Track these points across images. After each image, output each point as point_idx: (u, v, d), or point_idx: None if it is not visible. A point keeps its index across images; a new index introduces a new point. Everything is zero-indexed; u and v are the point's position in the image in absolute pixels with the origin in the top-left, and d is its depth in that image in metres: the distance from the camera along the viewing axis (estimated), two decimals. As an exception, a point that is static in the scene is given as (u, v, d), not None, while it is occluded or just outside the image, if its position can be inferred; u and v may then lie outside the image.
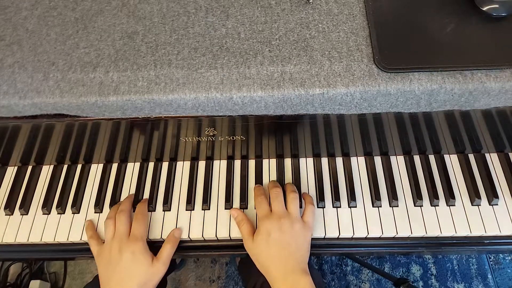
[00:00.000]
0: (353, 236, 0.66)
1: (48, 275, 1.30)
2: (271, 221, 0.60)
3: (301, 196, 0.67)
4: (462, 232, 0.65)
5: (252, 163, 0.73)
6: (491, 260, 1.27)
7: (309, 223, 0.62)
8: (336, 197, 0.68)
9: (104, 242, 0.64)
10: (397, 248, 0.68)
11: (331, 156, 0.72)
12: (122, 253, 0.60)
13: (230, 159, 0.73)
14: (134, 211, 0.68)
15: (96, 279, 0.79)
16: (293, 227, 0.60)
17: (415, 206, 0.67)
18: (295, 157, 0.72)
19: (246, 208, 0.69)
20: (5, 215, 0.71)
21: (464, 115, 0.61)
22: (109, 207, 0.70)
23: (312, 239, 0.66)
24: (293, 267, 0.58)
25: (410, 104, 0.56)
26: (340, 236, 0.66)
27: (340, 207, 0.68)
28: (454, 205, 0.67)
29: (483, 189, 0.68)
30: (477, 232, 0.65)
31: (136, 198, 0.70)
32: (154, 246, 0.65)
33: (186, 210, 0.69)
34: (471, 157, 0.71)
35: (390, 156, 0.72)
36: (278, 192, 0.63)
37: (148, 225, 0.67)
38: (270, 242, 0.59)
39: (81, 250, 0.70)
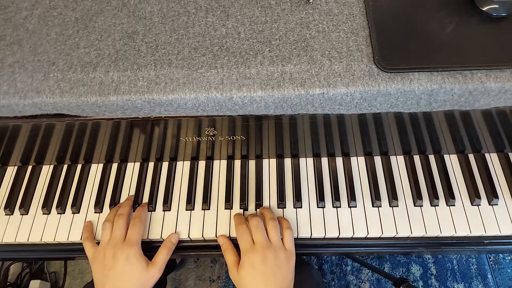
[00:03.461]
0: (353, 236, 0.66)
1: (48, 275, 1.30)
2: (255, 254, 0.58)
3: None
4: (462, 232, 0.65)
5: (252, 163, 0.73)
6: (491, 260, 1.27)
7: (291, 250, 0.62)
8: (336, 197, 0.68)
9: (99, 244, 0.64)
10: (397, 248, 0.68)
11: (331, 156, 0.72)
12: (116, 258, 0.60)
13: (230, 159, 0.73)
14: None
15: (92, 281, 0.79)
16: (277, 257, 0.59)
17: (415, 206, 0.67)
18: (295, 157, 0.72)
19: (246, 209, 0.69)
20: (5, 215, 0.71)
21: (464, 115, 0.61)
22: (109, 207, 0.70)
23: (312, 239, 0.67)
24: None
25: (410, 104, 0.56)
26: (340, 236, 0.66)
27: (340, 207, 0.68)
28: (454, 205, 0.67)
29: (483, 189, 0.68)
30: (477, 232, 0.65)
31: (136, 199, 0.70)
32: (153, 246, 0.65)
33: (186, 210, 0.69)
34: (471, 157, 0.71)
35: (390, 156, 0.72)
36: (258, 222, 0.62)
37: (148, 228, 0.67)
38: (255, 275, 0.58)
39: (81, 250, 0.69)
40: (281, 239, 0.62)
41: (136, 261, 0.61)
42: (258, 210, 0.69)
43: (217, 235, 0.66)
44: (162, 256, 0.63)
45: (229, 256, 0.62)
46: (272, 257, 0.58)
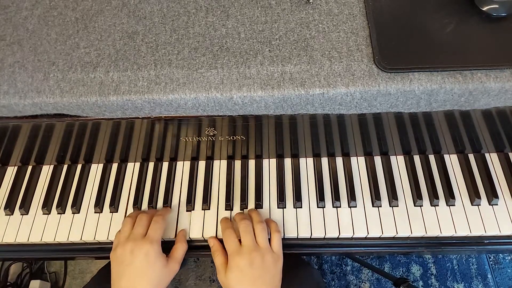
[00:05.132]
0: (353, 236, 0.66)
1: (48, 275, 1.30)
2: (242, 257, 0.58)
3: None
4: (462, 232, 0.65)
5: (252, 163, 0.73)
6: (491, 260, 1.27)
7: (278, 252, 0.61)
8: (336, 197, 0.68)
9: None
10: (397, 248, 0.68)
11: (331, 156, 0.72)
12: (135, 254, 0.59)
13: (230, 159, 0.73)
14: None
15: (93, 280, 0.79)
16: (264, 260, 0.59)
17: (415, 206, 0.67)
18: (295, 157, 0.72)
19: (247, 208, 0.69)
20: (5, 215, 0.71)
21: (464, 115, 0.61)
22: (109, 207, 0.70)
23: (312, 239, 0.67)
24: None
25: (410, 104, 0.56)
26: (340, 236, 0.66)
27: (340, 207, 0.68)
28: (454, 205, 0.67)
29: (483, 189, 0.68)
30: (477, 232, 0.65)
31: (136, 199, 0.70)
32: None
33: (186, 210, 0.69)
34: (471, 157, 0.71)
35: (390, 156, 0.72)
36: (247, 224, 0.62)
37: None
38: (242, 278, 0.58)
39: (81, 250, 0.70)
40: (269, 241, 0.62)
41: (155, 258, 0.60)
42: (245, 211, 0.68)
43: (217, 235, 0.66)
44: (180, 251, 0.64)
45: (217, 258, 0.62)
46: (259, 260, 0.58)
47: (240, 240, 0.61)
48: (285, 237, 0.66)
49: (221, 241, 0.64)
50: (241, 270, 0.58)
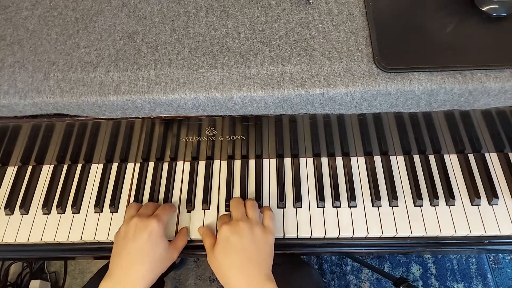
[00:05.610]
0: (353, 236, 0.66)
1: (48, 275, 1.30)
2: (229, 226, 0.57)
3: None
4: (462, 232, 0.65)
5: (252, 163, 0.73)
6: (490, 260, 1.27)
7: (270, 227, 0.60)
8: (336, 197, 0.68)
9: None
10: (397, 248, 0.68)
11: (331, 156, 0.72)
12: (138, 231, 0.58)
13: (230, 159, 0.73)
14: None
15: (92, 280, 0.79)
16: (253, 231, 0.57)
17: (415, 206, 0.67)
18: (295, 157, 0.73)
19: (246, 208, 0.69)
20: (5, 215, 0.71)
21: (464, 115, 0.61)
22: (109, 207, 0.70)
23: (312, 239, 0.67)
24: (256, 275, 0.55)
25: (410, 104, 0.56)
26: (340, 236, 0.66)
27: (340, 207, 0.68)
28: (454, 205, 0.67)
29: (483, 189, 0.68)
30: (477, 232, 0.65)
31: (136, 199, 0.70)
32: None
33: (187, 210, 0.69)
34: (471, 157, 0.71)
35: (390, 156, 0.72)
36: (238, 201, 0.61)
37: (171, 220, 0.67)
38: (229, 248, 0.56)
39: (81, 250, 0.70)
40: (262, 219, 0.62)
41: (158, 238, 0.58)
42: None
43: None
44: (181, 242, 0.64)
45: (206, 239, 0.61)
46: (247, 231, 0.57)
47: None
48: (285, 237, 0.66)
49: None
50: (227, 239, 0.56)
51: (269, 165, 0.72)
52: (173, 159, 0.74)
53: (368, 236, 0.66)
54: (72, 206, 0.70)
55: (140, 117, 0.60)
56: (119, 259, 0.58)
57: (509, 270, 1.25)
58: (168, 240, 0.63)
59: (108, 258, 0.63)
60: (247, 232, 0.57)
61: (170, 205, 0.66)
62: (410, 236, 0.66)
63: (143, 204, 0.67)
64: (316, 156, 0.72)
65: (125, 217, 0.63)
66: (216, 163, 0.73)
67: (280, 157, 0.73)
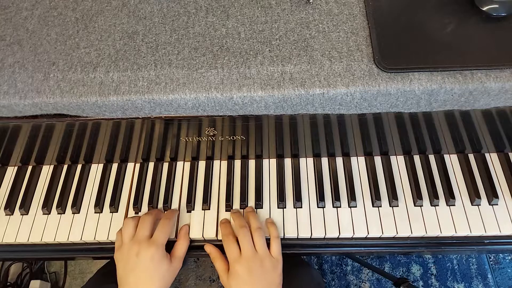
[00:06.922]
0: (353, 236, 0.66)
1: (48, 275, 1.30)
2: (241, 265, 0.60)
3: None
4: (462, 232, 0.65)
5: (252, 163, 0.73)
6: (491, 260, 1.27)
7: (278, 257, 0.63)
8: (336, 197, 0.68)
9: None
10: (397, 248, 0.68)
11: (331, 156, 0.72)
12: (140, 258, 0.60)
13: (230, 159, 0.73)
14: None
15: (92, 280, 0.79)
16: (263, 266, 0.61)
17: (415, 206, 0.67)
18: (295, 157, 0.72)
19: (246, 208, 0.69)
20: (5, 215, 0.71)
21: (464, 115, 0.61)
22: (109, 207, 0.70)
23: (312, 239, 0.67)
24: None
25: (410, 104, 0.56)
26: (340, 236, 0.66)
27: (340, 207, 0.68)
28: (454, 205, 0.67)
29: (483, 189, 0.68)
30: (477, 232, 0.65)
31: (136, 199, 0.70)
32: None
33: (187, 210, 0.69)
34: (471, 157, 0.71)
35: (390, 156, 0.72)
36: (245, 232, 0.63)
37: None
38: (242, 282, 0.60)
39: (81, 250, 0.70)
40: (269, 246, 0.63)
41: (160, 261, 0.61)
42: (243, 211, 0.68)
43: (217, 235, 0.66)
44: (182, 248, 0.65)
45: (218, 263, 0.64)
46: (258, 267, 0.60)
47: (239, 246, 0.62)
48: (285, 237, 0.66)
49: (219, 246, 0.66)
50: (241, 277, 0.60)
51: (269, 165, 0.72)
52: (173, 159, 0.74)
53: (368, 236, 0.66)
54: (72, 206, 0.70)
55: (140, 117, 0.60)
56: (127, 286, 0.60)
57: (509, 270, 1.25)
58: (170, 239, 0.63)
59: (108, 258, 0.63)
60: (258, 268, 0.60)
61: (169, 220, 0.65)
62: (410, 236, 0.66)
63: (140, 216, 0.66)
64: (316, 156, 0.72)
65: (123, 236, 0.63)
66: (216, 163, 0.73)
67: (280, 157, 0.73)
